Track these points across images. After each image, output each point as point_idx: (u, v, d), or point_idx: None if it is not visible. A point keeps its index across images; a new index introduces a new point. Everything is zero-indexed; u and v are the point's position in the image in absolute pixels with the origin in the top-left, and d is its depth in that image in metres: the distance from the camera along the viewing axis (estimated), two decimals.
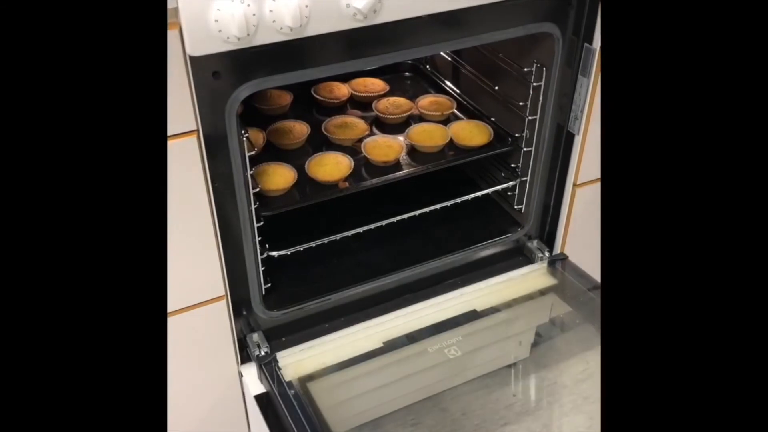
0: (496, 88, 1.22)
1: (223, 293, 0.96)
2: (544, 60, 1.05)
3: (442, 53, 1.37)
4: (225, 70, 0.79)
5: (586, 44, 1.02)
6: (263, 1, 0.73)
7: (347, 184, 1.09)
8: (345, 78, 1.34)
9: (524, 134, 1.14)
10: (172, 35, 0.73)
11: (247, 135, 0.89)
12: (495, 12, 0.91)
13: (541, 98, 1.08)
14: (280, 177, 1.08)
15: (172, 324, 0.94)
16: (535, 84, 1.08)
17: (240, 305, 1.00)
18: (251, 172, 0.93)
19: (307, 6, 0.75)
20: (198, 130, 0.81)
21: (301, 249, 1.10)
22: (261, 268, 1.00)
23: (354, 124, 1.22)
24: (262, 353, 1.04)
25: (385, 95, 1.31)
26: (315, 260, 1.15)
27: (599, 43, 1.01)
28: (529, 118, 1.11)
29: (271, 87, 0.84)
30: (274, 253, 1.06)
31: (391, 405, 1.22)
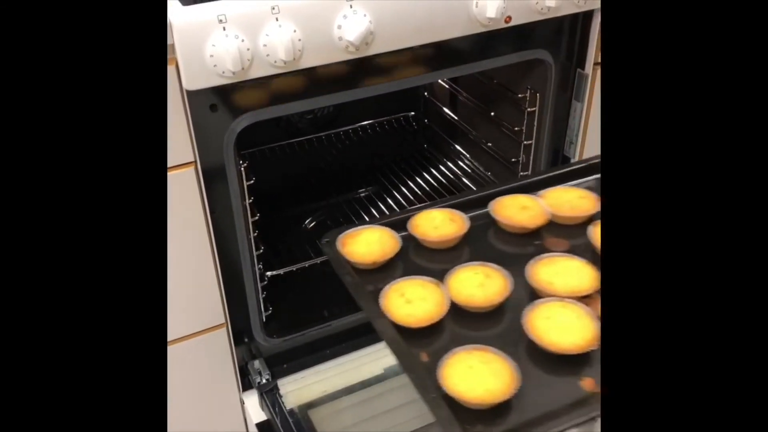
0: (492, 113, 1.23)
1: (223, 321, 0.97)
2: (537, 86, 1.06)
3: (439, 80, 1.39)
4: (222, 103, 0.81)
5: (579, 70, 1.04)
6: (257, 37, 0.75)
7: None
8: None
9: (521, 159, 1.15)
10: (169, 70, 0.75)
11: (245, 165, 0.91)
12: (487, 41, 0.92)
13: (536, 123, 1.09)
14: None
15: (173, 352, 0.95)
16: (529, 109, 1.09)
17: (241, 333, 1.01)
18: (250, 200, 0.95)
19: (300, 40, 0.76)
20: (196, 161, 0.83)
21: (294, 269, 1.11)
22: (261, 295, 1.01)
23: None
24: (264, 381, 1.04)
25: None
26: (315, 285, 1.16)
27: (591, 69, 1.03)
28: (525, 142, 1.13)
29: (267, 118, 0.86)
30: (273, 272, 1.07)
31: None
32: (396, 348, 0.70)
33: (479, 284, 0.75)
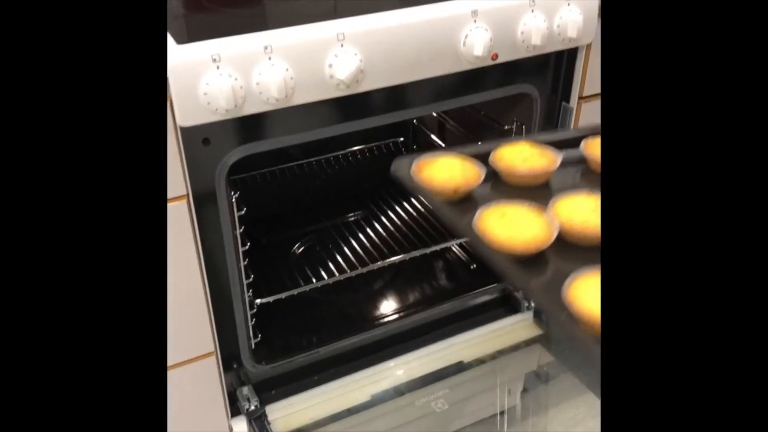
0: (479, 144, 1.25)
1: (213, 349, 0.98)
2: (523, 118, 1.09)
3: None
4: (215, 138, 0.82)
5: (564, 103, 1.06)
6: (250, 75, 0.76)
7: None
8: None
9: None
10: None
11: (236, 195, 0.92)
12: (474, 77, 0.95)
13: None
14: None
15: None
16: None
17: (230, 360, 1.02)
18: (240, 230, 0.96)
19: (292, 78, 0.78)
20: (188, 195, 0.84)
21: (283, 297, 1.12)
22: (251, 323, 1.02)
23: None
24: (252, 407, 1.05)
25: None
26: (303, 312, 1.17)
27: (576, 102, 1.05)
28: None
29: (260, 151, 0.87)
30: (263, 300, 1.08)
31: None
32: (507, 268, 0.59)
33: (594, 210, 0.63)
